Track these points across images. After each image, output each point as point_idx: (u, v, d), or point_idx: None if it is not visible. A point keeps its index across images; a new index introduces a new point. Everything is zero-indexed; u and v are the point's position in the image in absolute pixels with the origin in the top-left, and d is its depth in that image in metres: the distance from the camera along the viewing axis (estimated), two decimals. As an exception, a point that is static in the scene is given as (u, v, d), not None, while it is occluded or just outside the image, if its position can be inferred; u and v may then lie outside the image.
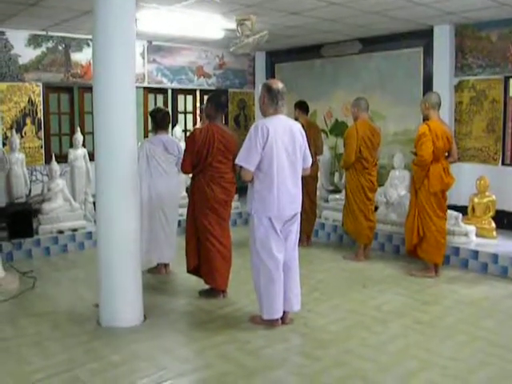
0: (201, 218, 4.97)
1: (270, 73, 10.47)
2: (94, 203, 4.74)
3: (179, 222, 6.28)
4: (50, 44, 8.07)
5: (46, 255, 6.68)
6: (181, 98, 9.92)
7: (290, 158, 4.23)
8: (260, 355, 3.89)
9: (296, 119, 6.46)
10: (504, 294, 5.25)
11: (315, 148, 6.84)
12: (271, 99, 4.26)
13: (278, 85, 4.31)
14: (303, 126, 4.63)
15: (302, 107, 7.07)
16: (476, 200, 6.72)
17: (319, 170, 7.53)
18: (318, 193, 7.49)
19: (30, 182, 7.50)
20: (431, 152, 5.52)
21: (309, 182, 6.68)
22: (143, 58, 9.09)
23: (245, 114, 10.68)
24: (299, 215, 4.41)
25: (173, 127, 8.42)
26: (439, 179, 5.59)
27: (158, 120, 5.83)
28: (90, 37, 7.67)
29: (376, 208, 6.84)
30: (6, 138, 7.52)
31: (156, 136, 5.83)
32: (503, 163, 7.29)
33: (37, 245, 6.65)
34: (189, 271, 5.24)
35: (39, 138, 8.00)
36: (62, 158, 7.77)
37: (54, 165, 7.04)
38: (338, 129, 9.24)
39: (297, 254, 4.45)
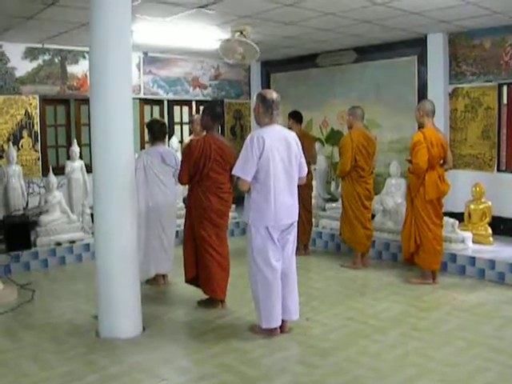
0: (198, 228, 4.98)
1: (266, 83, 10.50)
2: (92, 215, 4.74)
3: (177, 232, 6.28)
4: (47, 57, 8.10)
5: (44, 267, 6.67)
6: (177, 108, 9.95)
7: (286, 168, 4.25)
8: (259, 364, 3.89)
9: (289, 129, 6.48)
10: (501, 299, 5.26)
11: (309, 158, 6.86)
12: (266, 109, 4.29)
13: (273, 94, 4.35)
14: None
15: (295, 117, 7.09)
16: (472, 207, 6.75)
17: (314, 179, 7.55)
18: (314, 202, 7.51)
19: (28, 194, 7.50)
20: (426, 160, 5.54)
21: (304, 191, 6.71)
22: (139, 69, 9.12)
23: (241, 125, 10.72)
24: (296, 224, 4.43)
25: (169, 138, 8.46)
26: (435, 187, 5.61)
27: (155, 131, 5.85)
28: (86, 49, 7.70)
29: (373, 216, 6.86)
30: (2, 150, 7.53)
31: (153, 147, 5.85)
32: (498, 170, 7.31)
33: (35, 257, 6.63)
34: (187, 281, 5.25)
35: (36, 151, 8.01)
36: (59, 170, 7.77)
37: (51, 177, 7.05)
38: (334, 138, 9.27)
39: (294, 262, 4.46)
